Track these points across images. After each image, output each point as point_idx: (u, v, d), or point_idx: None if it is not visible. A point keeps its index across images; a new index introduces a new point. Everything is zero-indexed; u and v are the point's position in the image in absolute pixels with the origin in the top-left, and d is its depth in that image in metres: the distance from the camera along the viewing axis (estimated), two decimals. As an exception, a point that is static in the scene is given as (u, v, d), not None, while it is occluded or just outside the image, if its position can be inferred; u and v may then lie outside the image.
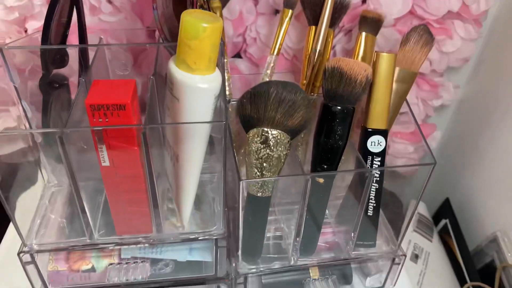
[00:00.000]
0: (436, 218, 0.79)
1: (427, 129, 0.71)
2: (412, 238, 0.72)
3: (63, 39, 0.39)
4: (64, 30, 0.39)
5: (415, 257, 0.69)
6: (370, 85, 0.40)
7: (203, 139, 0.34)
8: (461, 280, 0.69)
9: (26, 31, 0.51)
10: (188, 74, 0.32)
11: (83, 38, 0.40)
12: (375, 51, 0.40)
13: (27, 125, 0.40)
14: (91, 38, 0.44)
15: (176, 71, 0.32)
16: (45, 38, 0.36)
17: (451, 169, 0.80)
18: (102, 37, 0.46)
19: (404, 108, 0.67)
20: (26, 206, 0.39)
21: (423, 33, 0.42)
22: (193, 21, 0.30)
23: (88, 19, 0.44)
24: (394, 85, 0.42)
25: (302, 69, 0.49)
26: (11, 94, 0.40)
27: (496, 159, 0.69)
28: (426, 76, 0.64)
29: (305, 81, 0.48)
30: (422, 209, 0.78)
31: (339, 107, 0.39)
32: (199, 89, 0.32)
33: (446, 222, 0.76)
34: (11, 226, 0.51)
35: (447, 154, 0.80)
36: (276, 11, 0.55)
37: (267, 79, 0.50)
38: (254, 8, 0.55)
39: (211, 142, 0.38)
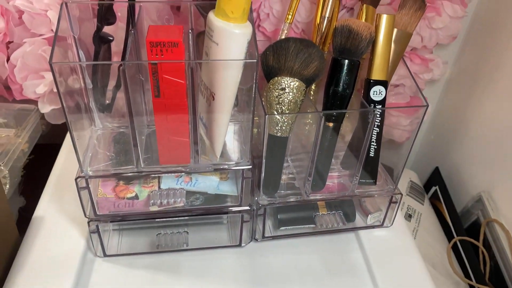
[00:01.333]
0: (427, 186, 0.86)
1: (419, 102, 0.79)
2: (405, 201, 0.78)
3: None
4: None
5: (409, 216, 0.76)
6: (372, 42, 0.47)
7: (236, 78, 0.41)
8: (450, 237, 0.76)
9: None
10: (226, 22, 0.39)
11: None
12: (377, 14, 0.48)
13: (81, 76, 0.46)
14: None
15: (216, 20, 0.39)
16: (102, -5, 0.43)
17: (440, 141, 0.87)
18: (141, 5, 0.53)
19: (399, 80, 0.75)
20: (78, 144, 0.45)
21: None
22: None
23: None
24: (392, 44, 0.49)
25: (312, 36, 0.56)
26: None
27: (480, 129, 0.76)
28: (418, 51, 0.71)
29: (314, 46, 0.55)
30: (414, 177, 0.85)
31: (347, 60, 0.46)
32: (235, 34, 0.39)
33: (436, 188, 0.83)
34: (55, 168, 0.58)
35: (437, 128, 0.88)
36: (288, -11, 0.63)
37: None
38: (269, -14, 0.62)
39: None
